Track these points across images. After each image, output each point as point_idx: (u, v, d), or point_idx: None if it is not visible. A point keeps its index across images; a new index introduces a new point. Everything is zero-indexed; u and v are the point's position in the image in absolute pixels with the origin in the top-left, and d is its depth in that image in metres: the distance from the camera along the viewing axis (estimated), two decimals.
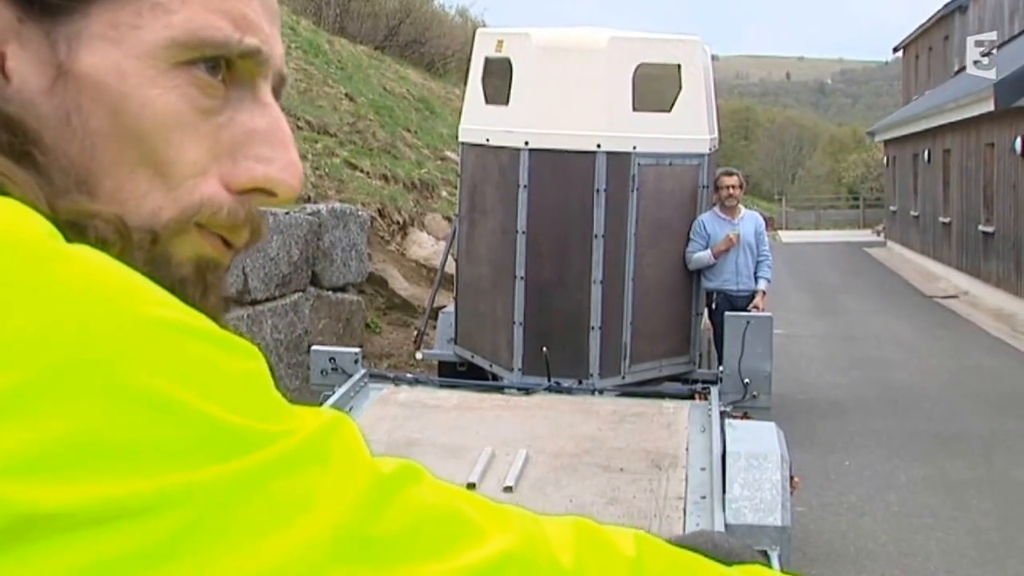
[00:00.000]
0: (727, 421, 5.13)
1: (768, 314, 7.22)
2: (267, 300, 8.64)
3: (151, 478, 0.45)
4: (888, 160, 31.76)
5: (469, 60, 7.76)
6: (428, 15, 26.44)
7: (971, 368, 12.04)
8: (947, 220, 22.08)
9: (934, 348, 13.35)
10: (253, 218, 0.65)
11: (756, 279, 8.43)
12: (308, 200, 10.58)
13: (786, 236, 33.96)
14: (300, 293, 9.20)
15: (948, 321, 16.10)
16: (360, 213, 10.47)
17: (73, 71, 0.58)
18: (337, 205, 10.17)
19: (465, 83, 7.95)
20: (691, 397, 6.05)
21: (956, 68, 26.06)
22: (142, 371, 0.47)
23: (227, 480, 0.47)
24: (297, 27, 16.90)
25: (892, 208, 29.83)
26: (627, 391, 6.47)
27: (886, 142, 31.46)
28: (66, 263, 0.49)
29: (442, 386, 6.22)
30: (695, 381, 7.02)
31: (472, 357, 7.51)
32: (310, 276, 9.42)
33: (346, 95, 14.98)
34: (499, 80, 7.22)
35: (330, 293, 9.70)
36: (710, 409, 5.44)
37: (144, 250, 0.59)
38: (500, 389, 6.25)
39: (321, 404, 5.41)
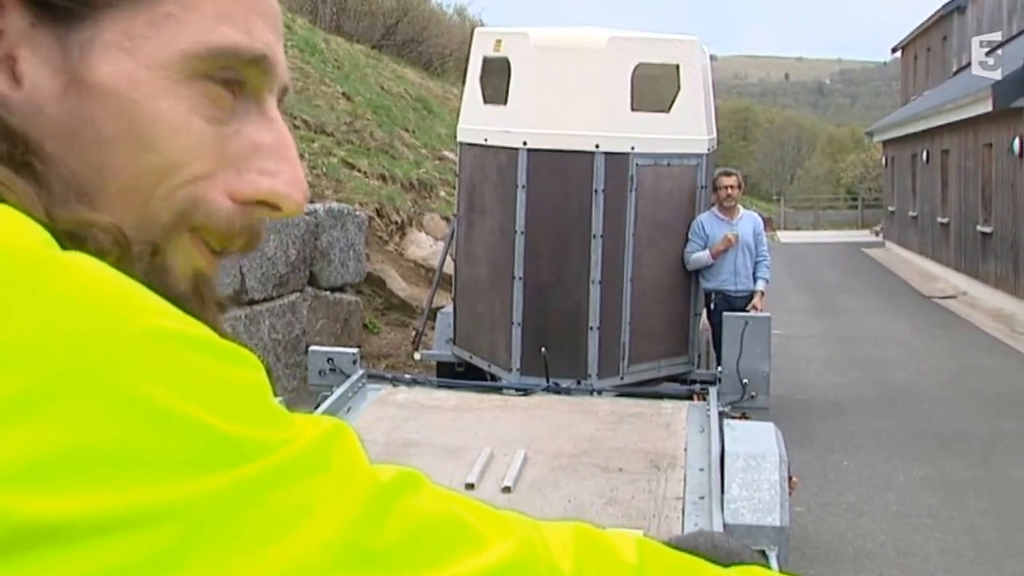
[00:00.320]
0: (726, 421, 5.12)
1: (767, 314, 7.22)
2: (265, 300, 8.64)
3: (151, 488, 0.46)
4: (886, 160, 31.79)
5: (467, 59, 7.76)
6: (426, 14, 26.45)
7: (970, 368, 12.05)
8: (945, 220, 22.09)
9: (933, 348, 13.36)
10: (250, 228, 0.65)
11: (754, 279, 8.43)
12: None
13: (785, 236, 33.97)
14: (298, 293, 9.20)
15: (946, 321, 16.11)
16: (358, 213, 10.47)
17: (87, 79, 0.58)
18: (335, 205, 10.17)
19: (463, 83, 7.95)
20: (689, 397, 6.05)
21: (955, 68, 26.09)
22: (142, 380, 0.47)
23: (227, 490, 0.47)
24: (293, 25, 16.88)
25: (890, 208, 29.85)
26: (625, 391, 6.47)
27: (884, 142, 31.50)
28: (63, 271, 0.49)
29: (440, 387, 6.22)
30: (693, 381, 7.03)
31: (470, 358, 7.51)
32: (308, 276, 9.41)
33: (343, 94, 14.97)
34: (497, 80, 7.21)
35: (328, 293, 9.69)
36: (708, 409, 5.44)
37: (144, 261, 0.60)
38: (498, 389, 6.25)
39: (319, 405, 5.41)
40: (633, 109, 6.90)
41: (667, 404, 5.74)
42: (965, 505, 7.23)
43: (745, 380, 6.30)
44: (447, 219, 11.87)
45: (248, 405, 0.50)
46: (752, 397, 6.30)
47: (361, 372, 5.94)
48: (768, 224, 16.74)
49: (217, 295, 0.66)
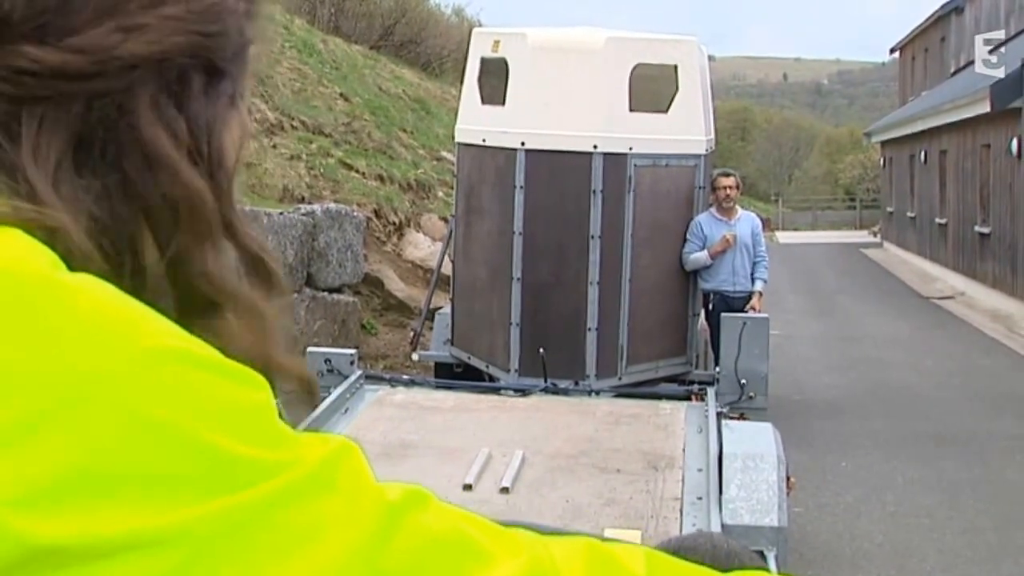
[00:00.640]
0: (724, 422, 5.12)
1: (765, 315, 7.22)
2: None
3: (159, 509, 0.46)
4: (885, 161, 31.80)
5: (465, 60, 7.76)
6: (424, 14, 26.43)
7: (967, 369, 12.05)
8: (943, 221, 22.10)
9: (931, 349, 13.36)
10: None
11: (753, 280, 8.42)
12: (303, 201, 10.58)
13: (783, 237, 33.97)
14: (295, 294, 9.19)
15: (944, 322, 16.12)
16: (355, 214, 10.47)
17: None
18: (332, 206, 10.17)
19: (461, 83, 7.95)
20: (688, 398, 6.06)
21: (953, 69, 26.12)
22: (149, 402, 0.47)
23: (235, 511, 0.47)
24: (291, 26, 16.87)
25: (889, 209, 29.86)
26: (624, 392, 6.47)
27: (883, 143, 31.51)
28: (71, 294, 0.49)
29: (438, 387, 6.22)
30: (692, 382, 7.03)
31: (468, 358, 7.50)
32: (305, 277, 9.41)
33: (341, 95, 14.96)
34: (495, 80, 7.22)
35: (326, 294, 9.69)
36: (707, 410, 5.45)
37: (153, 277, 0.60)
38: (497, 390, 6.25)
39: (317, 406, 5.40)
40: (631, 110, 6.90)
41: (665, 405, 5.74)
42: (963, 505, 7.24)
43: (743, 381, 6.30)
44: (445, 220, 11.87)
45: (255, 425, 0.50)
46: (750, 398, 6.30)
47: (359, 373, 5.95)
48: (766, 225, 16.73)
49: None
